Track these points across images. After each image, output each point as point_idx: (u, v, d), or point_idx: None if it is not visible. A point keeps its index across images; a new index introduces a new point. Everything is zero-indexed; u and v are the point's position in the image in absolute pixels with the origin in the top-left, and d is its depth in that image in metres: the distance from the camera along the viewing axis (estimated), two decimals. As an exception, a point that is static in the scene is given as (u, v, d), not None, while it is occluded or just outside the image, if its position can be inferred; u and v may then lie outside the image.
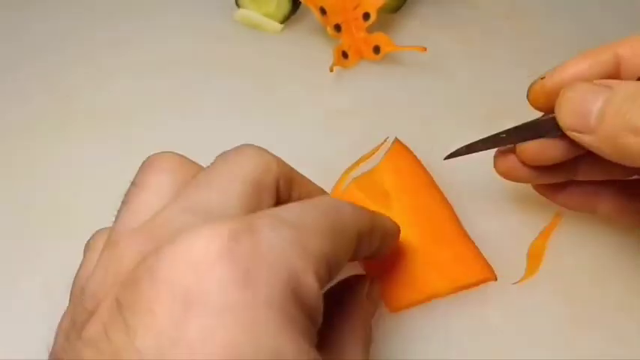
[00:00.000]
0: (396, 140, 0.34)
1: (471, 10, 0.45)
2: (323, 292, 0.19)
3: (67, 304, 0.21)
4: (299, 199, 0.23)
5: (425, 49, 0.38)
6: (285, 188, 0.22)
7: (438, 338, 0.29)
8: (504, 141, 0.27)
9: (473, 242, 0.31)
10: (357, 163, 0.35)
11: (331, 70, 0.38)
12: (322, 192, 0.25)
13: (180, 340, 0.15)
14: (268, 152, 0.22)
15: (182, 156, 0.22)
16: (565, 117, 0.25)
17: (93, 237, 0.22)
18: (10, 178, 0.35)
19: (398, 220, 0.27)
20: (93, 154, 0.36)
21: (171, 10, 0.44)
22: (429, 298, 0.30)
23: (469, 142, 0.28)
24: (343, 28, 0.40)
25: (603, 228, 0.32)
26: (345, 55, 0.40)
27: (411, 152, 0.34)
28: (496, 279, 0.30)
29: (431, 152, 0.33)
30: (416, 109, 0.38)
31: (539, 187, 0.31)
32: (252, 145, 0.22)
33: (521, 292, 0.31)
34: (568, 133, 0.25)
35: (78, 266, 0.30)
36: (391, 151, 0.34)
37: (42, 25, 0.43)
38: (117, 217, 0.21)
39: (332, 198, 0.22)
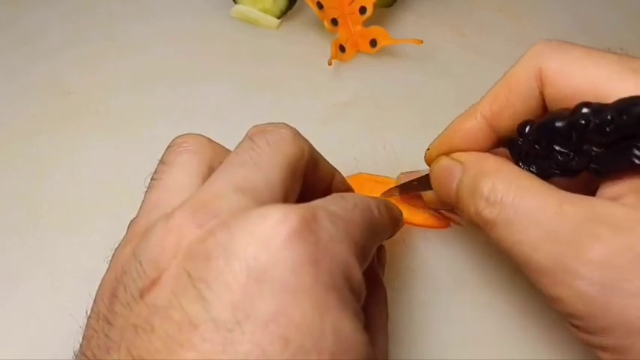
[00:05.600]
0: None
1: (465, 3, 0.45)
2: None
3: (106, 272, 0.20)
4: (320, 179, 0.25)
5: (421, 41, 0.39)
6: (310, 171, 0.23)
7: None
8: (414, 188, 0.30)
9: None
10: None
11: (329, 64, 0.39)
12: (337, 172, 0.27)
13: (256, 314, 0.17)
14: (302, 137, 0.23)
15: (206, 137, 0.23)
16: (438, 192, 0.27)
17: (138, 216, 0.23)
18: (14, 177, 0.35)
19: None
20: (95, 152, 0.36)
21: (168, 7, 0.44)
22: None
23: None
24: (340, 22, 0.40)
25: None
26: (342, 48, 0.40)
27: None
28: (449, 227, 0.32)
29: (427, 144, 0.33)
30: (413, 101, 0.39)
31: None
32: (289, 127, 0.23)
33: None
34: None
35: (83, 261, 0.31)
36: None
37: (44, 28, 0.43)
38: (150, 191, 0.22)
39: (365, 197, 0.23)
